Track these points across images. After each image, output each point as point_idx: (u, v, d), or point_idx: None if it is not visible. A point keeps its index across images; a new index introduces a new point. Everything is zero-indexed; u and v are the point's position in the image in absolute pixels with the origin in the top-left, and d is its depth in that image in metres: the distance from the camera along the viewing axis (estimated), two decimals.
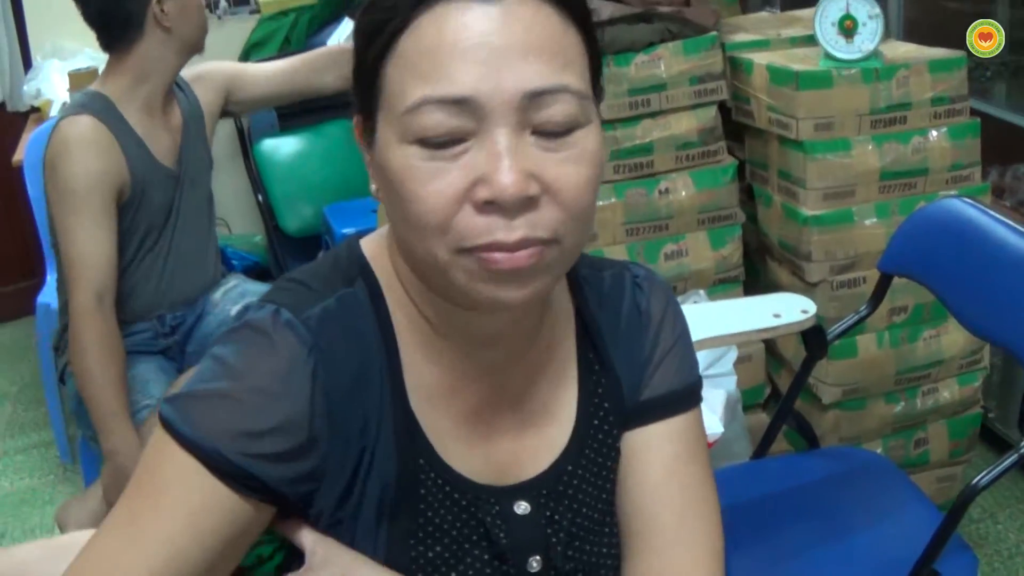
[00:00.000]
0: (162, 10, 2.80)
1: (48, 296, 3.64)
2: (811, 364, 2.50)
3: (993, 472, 1.99)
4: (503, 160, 1.02)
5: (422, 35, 1.05)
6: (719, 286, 3.22)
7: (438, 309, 1.19)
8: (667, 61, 3.14)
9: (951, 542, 2.03)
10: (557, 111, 1.05)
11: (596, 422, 1.29)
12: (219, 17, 5.75)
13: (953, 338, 3.07)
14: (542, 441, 1.27)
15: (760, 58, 3.15)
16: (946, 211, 2.32)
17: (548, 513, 1.26)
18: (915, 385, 3.14)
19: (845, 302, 2.92)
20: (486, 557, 1.24)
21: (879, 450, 3.11)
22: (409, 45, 1.06)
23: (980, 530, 3.35)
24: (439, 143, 1.04)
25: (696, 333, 2.38)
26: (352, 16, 5.35)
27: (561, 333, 1.30)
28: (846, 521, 2.29)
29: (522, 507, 1.25)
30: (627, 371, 1.31)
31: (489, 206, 1.03)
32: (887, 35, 3.42)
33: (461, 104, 1.03)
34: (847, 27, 2.98)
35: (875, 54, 3.00)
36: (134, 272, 2.90)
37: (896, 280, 2.55)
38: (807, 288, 3.02)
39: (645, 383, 1.31)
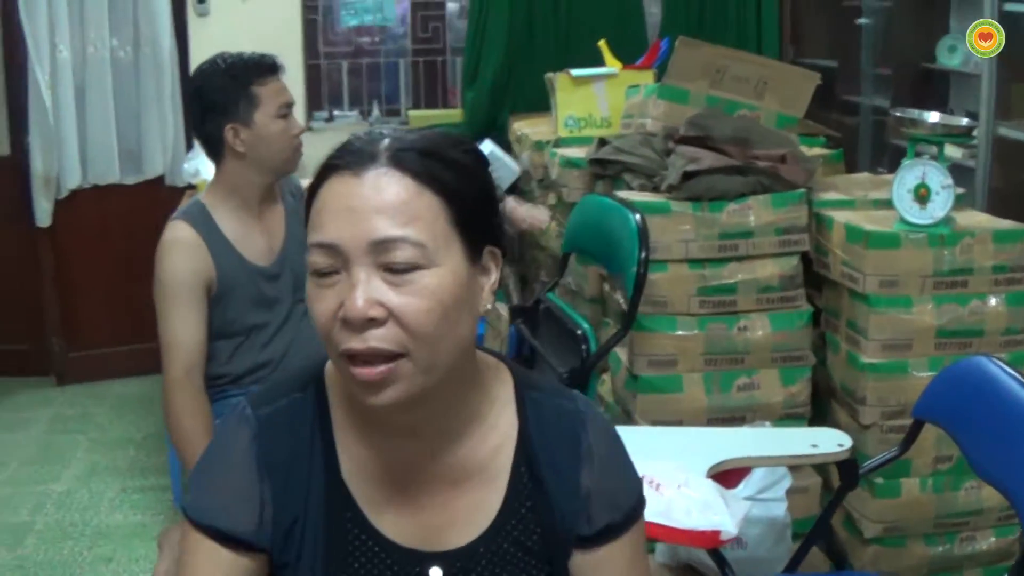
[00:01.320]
0: (236, 137, 3.11)
1: None
2: (843, 493, 2.76)
3: None
4: (355, 290, 1.40)
5: (319, 198, 1.46)
6: (785, 420, 3.48)
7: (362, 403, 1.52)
8: (756, 211, 3.46)
9: None
10: (398, 255, 1.40)
11: (514, 521, 1.59)
12: (371, 124, 6.18)
13: (993, 490, 3.27)
14: (467, 521, 1.59)
15: (840, 216, 3.44)
16: (973, 367, 2.56)
17: None
18: (954, 531, 3.34)
19: (893, 445, 3.13)
20: None
21: None
22: (314, 205, 1.47)
23: None
24: (323, 273, 1.43)
25: (742, 451, 2.67)
26: (494, 139, 5.73)
27: (499, 440, 1.60)
28: None
29: (436, 572, 1.57)
30: (560, 496, 1.60)
31: (346, 323, 1.40)
32: (970, 204, 3.69)
33: (329, 248, 1.41)
34: (921, 195, 3.26)
35: (945, 221, 3.28)
36: (257, 353, 3.26)
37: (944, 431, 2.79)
38: (860, 430, 3.27)
39: (591, 514, 1.60)
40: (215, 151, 3.18)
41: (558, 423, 1.62)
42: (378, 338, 1.40)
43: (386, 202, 1.41)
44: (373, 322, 1.40)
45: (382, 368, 1.41)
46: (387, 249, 1.40)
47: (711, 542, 2.33)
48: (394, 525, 1.57)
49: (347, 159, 1.45)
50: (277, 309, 3.29)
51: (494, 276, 1.53)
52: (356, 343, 1.41)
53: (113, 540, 4.28)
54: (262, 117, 3.12)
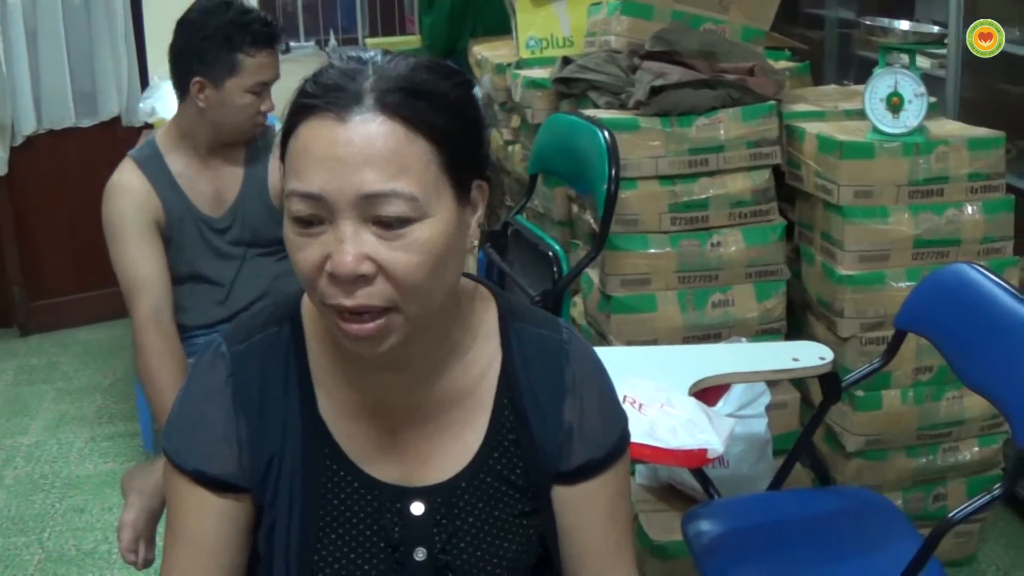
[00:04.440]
0: (201, 91, 2.97)
1: None
2: (826, 407, 2.72)
3: (969, 508, 2.24)
4: (343, 245, 1.31)
5: (297, 140, 1.34)
6: (762, 336, 3.44)
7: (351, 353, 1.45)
8: (726, 125, 3.40)
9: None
10: (389, 209, 1.31)
11: (496, 455, 1.55)
12: (328, 54, 6.07)
13: (975, 400, 3.21)
14: (449, 456, 1.55)
15: (812, 128, 3.37)
16: (955, 275, 2.52)
17: (438, 517, 1.53)
18: (936, 442, 3.32)
19: (873, 357, 3.09)
20: (381, 544, 1.52)
21: (899, 501, 3.27)
22: (291, 146, 1.35)
23: None
24: (304, 222, 1.33)
25: (721, 368, 2.63)
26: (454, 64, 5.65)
27: (481, 372, 1.56)
28: (838, 548, 2.51)
29: (418, 508, 1.53)
30: (543, 430, 1.56)
31: (333, 277, 1.32)
32: (941, 113, 3.64)
33: (314, 199, 1.31)
34: (894, 103, 3.20)
35: (919, 130, 3.22)
36: (215, 308, 3.18)
37: (923, 342, 2.75)
38: (839, 342, 3.23)
39: (572, 449, 1.57)
40: (180, 90, 3.06)
41: (542, 355, 1.58)
42: (367, 295, 1.33)
43: (375, 152, 1.31)
44: (362, 278, 1.32)
45: (375, 324, 1.35)
46: (376, 203, 1.31)
47: (698, 461, 2.29)
48: (374, 461, 1.53)
49: (328, 98, 1.33)
50: (228, 263, 3.20)
51: (481, 209, 1.45)
52: (345, 299, 1.34)
53: (84, 490, 4.22)
54: (234, 86, 2.99)
